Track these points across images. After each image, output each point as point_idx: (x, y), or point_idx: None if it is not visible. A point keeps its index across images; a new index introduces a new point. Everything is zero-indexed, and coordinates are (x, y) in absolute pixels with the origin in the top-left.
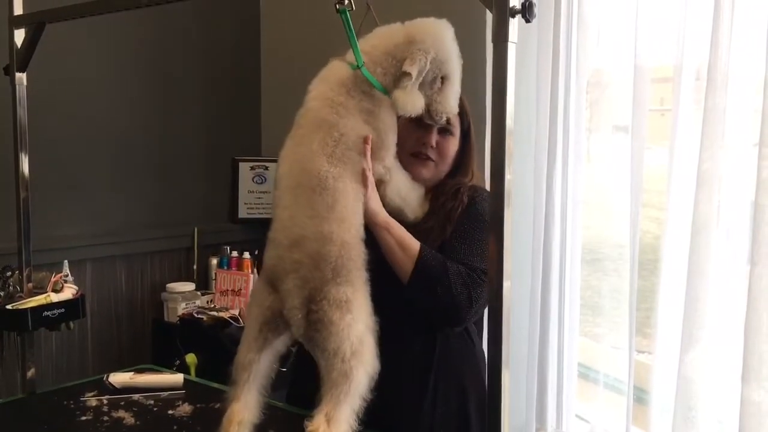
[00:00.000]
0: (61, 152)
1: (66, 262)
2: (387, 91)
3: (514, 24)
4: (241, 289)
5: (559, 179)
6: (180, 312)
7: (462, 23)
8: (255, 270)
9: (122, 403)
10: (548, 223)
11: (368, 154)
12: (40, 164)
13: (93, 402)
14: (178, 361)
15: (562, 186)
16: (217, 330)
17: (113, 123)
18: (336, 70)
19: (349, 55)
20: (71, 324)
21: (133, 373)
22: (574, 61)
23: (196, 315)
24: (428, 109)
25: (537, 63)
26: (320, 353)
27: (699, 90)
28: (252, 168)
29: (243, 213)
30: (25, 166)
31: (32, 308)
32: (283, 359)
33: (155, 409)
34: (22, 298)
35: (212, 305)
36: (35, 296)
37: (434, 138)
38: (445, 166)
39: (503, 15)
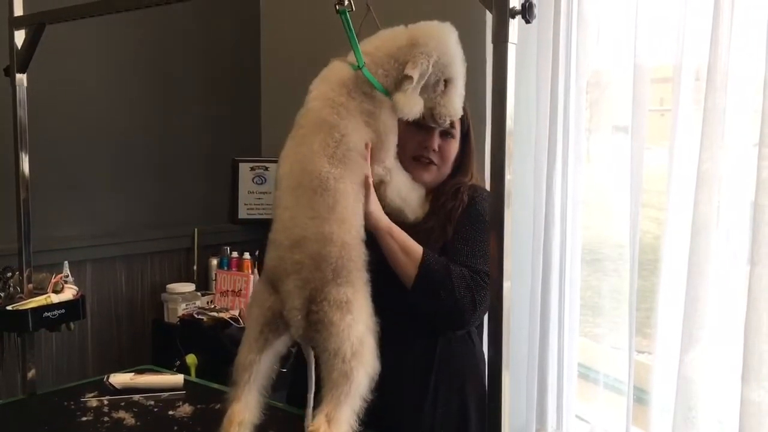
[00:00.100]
0: (62, 153)
1: (66, 262)
2: (388, 93)
3: (514, 25)
4: (241, 290)
5: (559, 179)
6: (180, 313)
7: (462, 24)
8: (255, 270)
9: (122, 404)
10: (548, 224)
11: (368, 158)
12: (40, 165)
13: (93, 403)
14: (178, 362)
15: (562, 186)
16: (217, 331)
17: (113, 124)
18: (337, 70)
19: (351, 56)
20: (71, 325)
21: (133, 373)
22: (574, 61)
23: (196, 316)
24: (432, 113)
25: (537, 63)
26: (321, 354)
27: (699, 90)
28: (252, 169)
29: (243, 213)
30: (25, 166)
31: (32, 309)
32: (283, 360)
33: (155, 409)
34: (22, 298)
35: (212, 306)
36: (35, 297)
37: (436, 141)
38: (447, 169)
39: (503, 16)
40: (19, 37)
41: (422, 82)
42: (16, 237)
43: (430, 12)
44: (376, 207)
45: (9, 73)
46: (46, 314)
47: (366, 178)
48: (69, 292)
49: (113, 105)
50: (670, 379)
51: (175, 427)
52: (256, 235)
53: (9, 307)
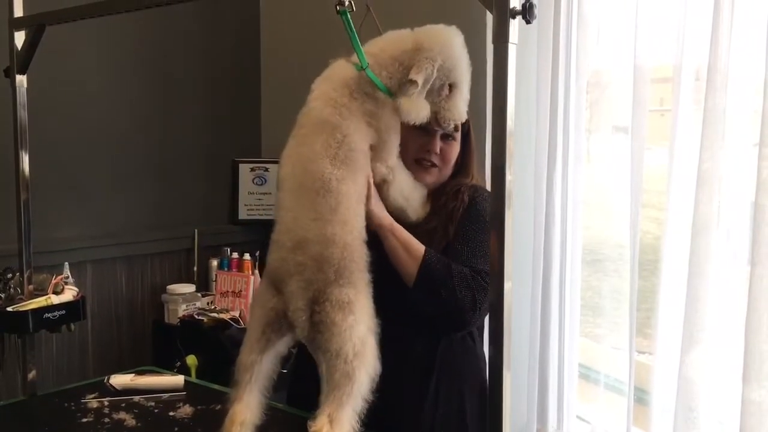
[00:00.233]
0: (62, 154)
1: (66, 264)
2: (392, 94)
3: (515, 25)
4: (241, 291)
5: (559, 180)
6: (180, 313)
7: (462, 24)
8: (255, 271)
9: (123, 405)
10: (548, 224)
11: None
12: (40, 166)
13: (94, 404)
14: (178, 363)
15: (562, 186)
16: (217, 331)
17: (113, 124)
18: (340, 70)
19: (355, 57)
20: (72, 326)
21: (133, 374)
22: (574, 61)
23: (196, 316)
24: (436, 116)
25: (537, 63)
26: (322, 354)
27: (699, 90)
28: (252, 169)
29: (243, 214)
30: (25, 167)
31: (33, 310)
32: (284, 361)
33: (156, 410)
34: (22, 300)
35: (212, 307)
36: (36, 298)
37: (438, 144)
38: (448, 171)
39: (503, 16)
40: (19, 38)
41: (427, 87)
42: (17, 238)
43: (430, 12)
44: (378, 205)
45: (9, 74)
46: (46, 315)
47: (367, 177)
48: (69, 293)
49: (113, 106)
50: (671, 380)
51: (176, 428)
52: (256, 235)
53: (9, 309)
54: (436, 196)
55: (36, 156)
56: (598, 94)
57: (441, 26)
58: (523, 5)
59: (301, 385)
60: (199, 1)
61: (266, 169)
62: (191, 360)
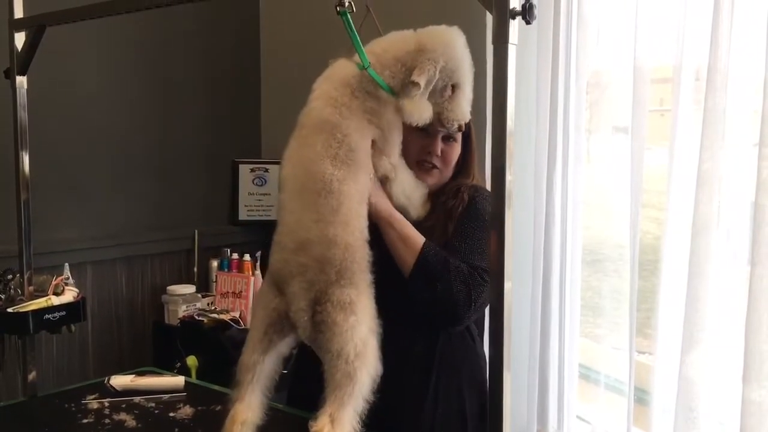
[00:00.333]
0: (62, 155)
1: (67, 265)
2: (394, 93)
3: (514, 26)
4: (241, 292)
5: (559, 180)
6: (180, 314)
7: (462, 24)
8: (255, 272)
9: (123, 406)
10: (548, 224)
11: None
12: (40, 167)
13: (94, 405)
14: (179, 364)
15: (562, 187)
16: (217, 332)
17: (113, 125)
18: (341, 69)
19: (357, 56)
20: (72, 327)
21: (134, 375)
22: (574, 62)
23: (196, 317)
24: (439, 117)
25: (537, 64)
26: (324, 354)
27: (699, 90)
28: (252, 170)
29: (243, 215)
30: (25, 168)
31: (33, 311)
32: (284, 361)
33: (156, 411)
34: (23, 301)
35: (213, 307)
36: (36, 299)
37: (439, 146)
38: (449, 172)
39: (503, 17)
40: (19, 39)
41: (429, 88)
42: (17, 239)
43: (430, 13)
44: (377, 196)
45: (9, 75)
46: (46, 316)
47: (369, 176)
48: (69, 294)
49: (113, 106)
50: (671, 380)
51: (176, 429)
52: (256, 236)
53: (10, 309)
54: (436, 195)
55: (36, 157)
56: (598, 95)
57: (443, 27)
58: (523, 6)
59: (302, 386)
60: (199, 2)
61: (266, 170)
62: (191, 361)
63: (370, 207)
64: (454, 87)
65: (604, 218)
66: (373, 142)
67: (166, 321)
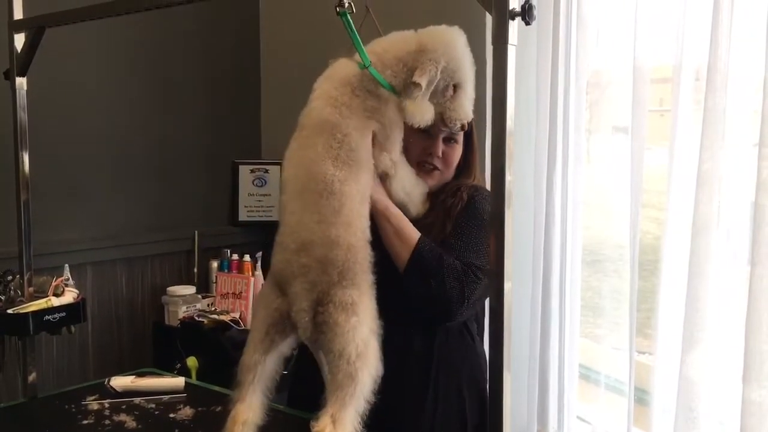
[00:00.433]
0: (62, 156)
1: (67, 266)
2: (395, 91)
3: (514, 26)
4: (241, 292)
5: (559, 180)
6: (181, 315)
7: (462, 25)
8: (255, 273)
9: (124, 407)
10: (548, 224)
11: (370, 137)
12: (40, 168)
13: (94, 406)
14: (179, 365)
15: (562, 187)
16: (217, 333)
17: (113, 126)
18: (342, 68)
19: (357, 56)
20: (72, 328)
21: (134, 376)
22: (574, 62)
23: (196, 318)
24: (442, 117)
25: (537, 64)
26: (325, 355)
27: (698, 90)
28: (252, 171)
29: (243, 216)
30: (25, 170)
31: (33, 312)
32: (285, 362)
33: (157, 412)
34: (23, 302)
35: (213, 308)
36: (36, 300)
37: (440, 147)
38: (450, 173)
39: (503, 17)
40: (19, 40)
41: (431, 89)
42: (17, 240)
43: (430, 13)
44: (375, 191)
45: (9, 76)
46: (46, 317)
47: (370, 174)
48: (69, 295)
49: (113, 107)
50: (671, 380)
51: (176, 430)
52: (256, 237)
53: (10, 311)
54: (435, 193)
55: (36, 158)
56: (597, 95)
57: (444, 27)
58: (523, 6)
59: (302, 387)
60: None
61: (266, 171)
62: (192, 362)
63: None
64: (455, 87)
65: (604, 218)
66: (374, 138)
67: (166, 322)
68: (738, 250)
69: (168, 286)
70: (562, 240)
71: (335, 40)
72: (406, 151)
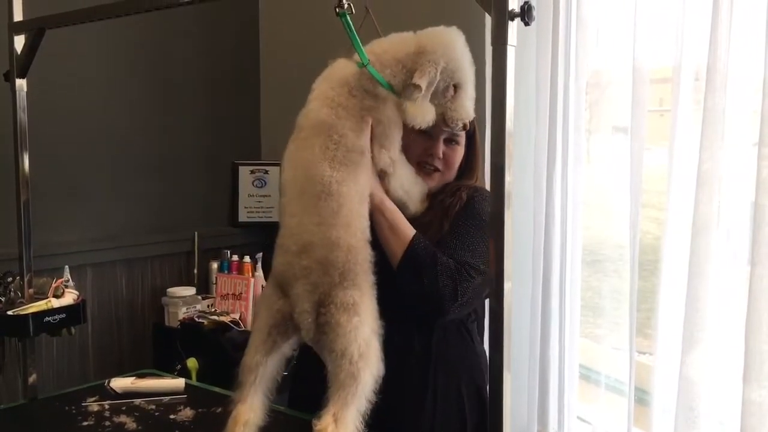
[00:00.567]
0: (62, 157)
1: (67, 267)
2: (394, 90)
3: (513, 27)
4: (241, 293)
5: (558, 180)
6: (181, 316)
7: (461, 26)
8: (255, 274)
9: (124, 408)
10: (548, 225)
11: (368, 133)
12: (40, 169)
13: (94, 407)
14: (179, 366)
15: (562, 187)
16: (218, 334)
17: (113, 127)
18: (340, 68)
19: (357, 56)
20: (72, 329)
21: (134, 378)
22: (573, 62)
23: (196, 319)
24: (443, 117)
25: (536, 65)
26: (327, 355)
27: (698, 90)
28: (252, 172)
29: (243, 217)
30: (25, 171)
31: (33, 314)
32: (286, 362)
33: (157, 413)
34: (23, 303)
35: (213, 309)
36: (36, 302)
37: (441, 149)
38: (451, 174)
39: (502, 18)
40: (19, 42)
41: (431, 90)
42: (17, 241)
43: (429, 14)
44: (372, 185)
45: (9, 78)
46: (46, 319)
47: (369, 172)
48: (70, 297)
49: (113, 108)
50: (671, 380)
51: (177, 431)
52: (256, 238)
53: (10, 312)
54: (435, 193)
55: (36, 159)
56: (597, 95)
57: (442, 28)
58: (522, 7)
59: (303, 388)
60: (199, 3)
61: (266, 172)
62: (192, 363)
63: None
64: (456, 87)
65: (604, 218)
66: (372, 136)
67: (166, 323)
68: (738, 250)
69: (168, 287)
70: (562, 240)
71: (335, 41)
72: (407, 150)
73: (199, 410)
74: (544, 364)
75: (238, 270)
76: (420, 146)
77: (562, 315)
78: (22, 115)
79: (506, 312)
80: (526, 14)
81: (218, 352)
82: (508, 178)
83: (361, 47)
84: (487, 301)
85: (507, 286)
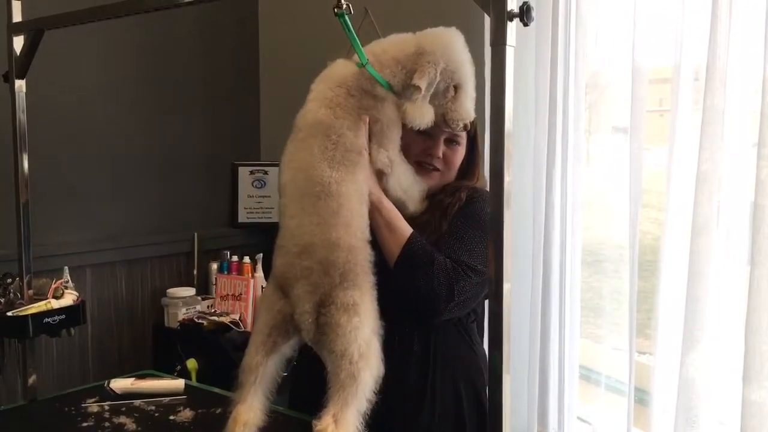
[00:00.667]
0: (61, 158)
1: (66, 268)
2: (393, 90)
3: (512, 27)
4: (241, 294)
5: (558, 181)
6: (180, 317)
7: (460, 26)
8: (255, 274)
9: (123, 409)
10: (548, 225)
11: (365, 132)
12: (39, 170)
13: (94, 408)
14: (179, 367)
15: (562, 187)
16: (217, 335)
17: (112, 128)
18: (338, 68)
19: (356, 56)
20: (72, 330)
21: (134, 378)
22: (573, 62)
23: (196, 320)
24: (444, 118)
25: (536, 65)
26: (328, 355)
27: (698, 90)
28: (251, 172)
29: (243, 217)
30: (25, 171)
31: (33, 315)
32: (286, 363)
33: (157, 414)
34: (22, 304)
35: (213, 310)
36: (36, 303)
37: (441, 149)
38: (451, 175)
39: (501, 19)
40: (18, 43)
41: (431, 91)
42: (16, 243)
43: (428, 15)
44: (370, 183)
45: (8, 79)
46: (46, 320)
47: (368, 172)
48: (69, 298)
49: (112, 109)
50: (671, 380)
51: None
52: (256, 238)
53: (9, 313)
54: (434, 193)
55: (36, 160)
56: (597, 95)
57: (441, 29)
58: (521, 8)
59: (303, 388)
60: (198, 4)
61: (265, 172)
62: (191, 364)
63: None
64: (456, 87)
65: (603, 219)
66: (371, 135)
67: (166, 324)
68: (738, 251)
69: (168, 288)
70: (562, 240)
71: (334, 41)
72: (407, 150)
73: (199, 411)
74: (544, 364)
75: (237, 271)
76: (420, 146)
77: (562, 315)
78: (22, 116)
79: (506, 312)
80: (525, 15)
81: (218, 353)
82: (507, 179)
83: (360, 47)
84: (486, 302)
85: (506, 286)
